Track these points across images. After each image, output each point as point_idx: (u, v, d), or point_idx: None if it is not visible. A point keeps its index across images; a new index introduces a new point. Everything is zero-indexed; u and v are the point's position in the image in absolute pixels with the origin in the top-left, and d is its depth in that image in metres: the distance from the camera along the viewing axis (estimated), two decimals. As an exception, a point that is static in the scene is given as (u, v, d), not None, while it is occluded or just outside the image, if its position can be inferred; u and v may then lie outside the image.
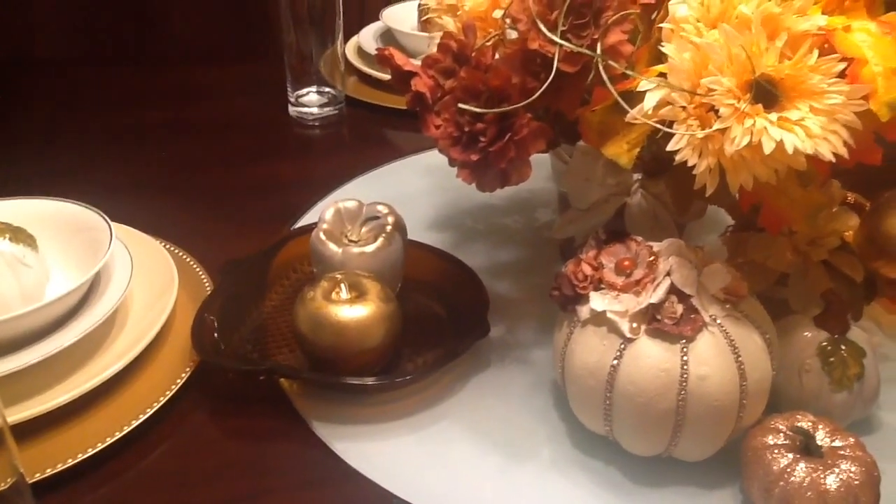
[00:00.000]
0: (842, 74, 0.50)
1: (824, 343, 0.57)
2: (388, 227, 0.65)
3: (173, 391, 0.58)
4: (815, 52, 0.47)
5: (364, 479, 0.54)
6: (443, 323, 0.66)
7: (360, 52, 1.13)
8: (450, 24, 0.61)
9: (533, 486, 0.55)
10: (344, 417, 0.59)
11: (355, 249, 0.63)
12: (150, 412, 0.57)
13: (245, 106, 1.06)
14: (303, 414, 0.59)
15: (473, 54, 0.54)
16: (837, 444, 0.52)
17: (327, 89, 1.01)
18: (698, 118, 0.47)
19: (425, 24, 0.66)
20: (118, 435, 0.55)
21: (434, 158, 0.92)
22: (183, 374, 0.60)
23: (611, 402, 0.53)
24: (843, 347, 0.57)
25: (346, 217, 0.66)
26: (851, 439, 0.52)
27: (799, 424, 0.52)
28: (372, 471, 0.55)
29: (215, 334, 0.61)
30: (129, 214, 0.73)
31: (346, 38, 1.05)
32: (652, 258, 0.54)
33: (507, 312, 0.68)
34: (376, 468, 0.55)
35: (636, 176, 0.65)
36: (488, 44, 0.55)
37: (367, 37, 1.16)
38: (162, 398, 0.58)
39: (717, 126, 0.46)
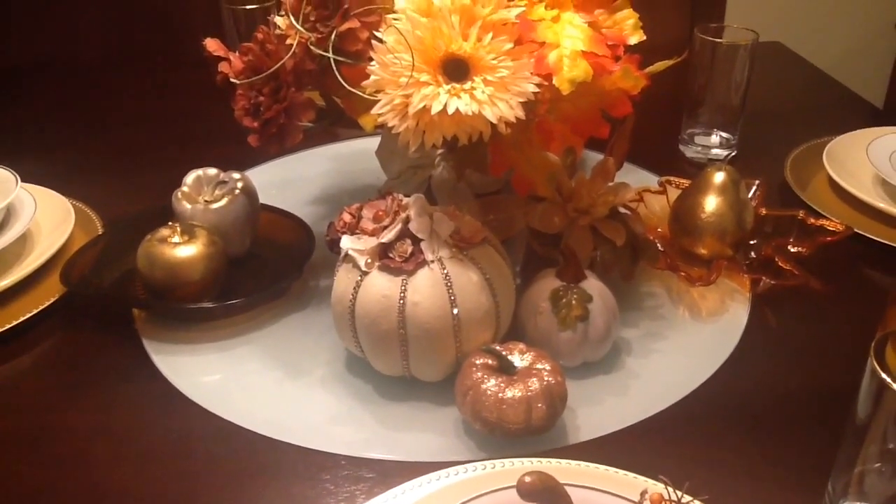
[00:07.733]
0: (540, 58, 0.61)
1: (556, 288, 0.67)
2: (237, 191, 0.78)
3: (39, 309, 0.74)
4: (490, 35, 0.58)
5: (164, 380, 0.68)
6: (281, 270, 0.79)
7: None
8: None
9: (300, 396, 0.66)
10: (167, 337, 0.72)
11: (201, 206, 0.77)
12: (13, 323, 0.72)
13: (205, 103, 1.21)
14: (140, 333, 0.73)
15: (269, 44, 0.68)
16: (536, 367, 0.61)
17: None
18: (397, 88, 0.59)
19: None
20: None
21: (340, 149, 1.05)
22: (52, 297, 0.75)
23: (354, 325, 0.64)
24: (573, 294, 0.66)
25: (204, 181, 0.80)
26: (548, 365, 0.61)
27: (496, 347, 0.62)
28: (173, 375, 0.68)
29: (86, 271, 0.76)
30: (75, 187, 0.91)
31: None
32: (398, 209, 0.65)
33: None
34: (178, 373, 0.68)
35: (439, 151, 0.77)
36: (277, 34, 0.68)
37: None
38: (32, 311, 0.73)
39: (399, 92, 0.57)
